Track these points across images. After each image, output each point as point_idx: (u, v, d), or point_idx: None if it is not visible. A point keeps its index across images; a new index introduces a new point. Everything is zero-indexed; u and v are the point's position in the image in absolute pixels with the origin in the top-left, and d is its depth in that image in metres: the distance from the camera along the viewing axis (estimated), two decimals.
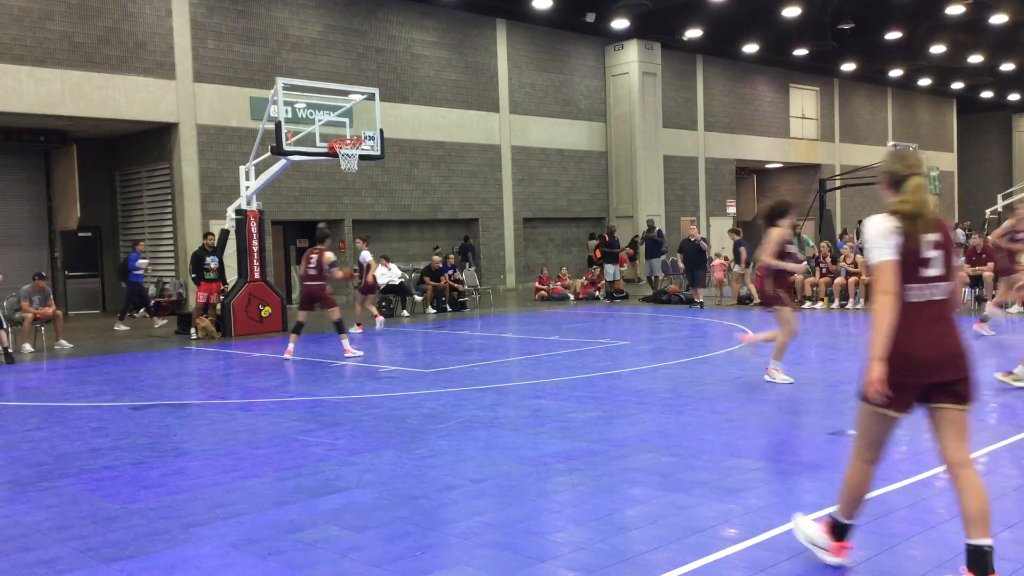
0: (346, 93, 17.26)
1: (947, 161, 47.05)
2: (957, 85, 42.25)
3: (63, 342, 14.92)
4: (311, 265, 12.57)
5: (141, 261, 18.65)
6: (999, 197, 35.18)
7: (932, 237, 3.81)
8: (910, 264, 3.76)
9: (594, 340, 13.86)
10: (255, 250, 16.41)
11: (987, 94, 44.53)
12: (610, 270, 22.57)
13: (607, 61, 30.15)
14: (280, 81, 15.46)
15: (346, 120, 16.78)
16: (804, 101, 38.50)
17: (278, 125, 15.22)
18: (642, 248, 24.69)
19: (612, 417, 7.87)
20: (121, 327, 17.73)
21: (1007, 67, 37.62)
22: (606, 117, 30.33)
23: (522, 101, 27.85)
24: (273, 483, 6.01)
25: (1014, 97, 45.65)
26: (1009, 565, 4.14)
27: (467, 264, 23.28)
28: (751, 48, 32.49)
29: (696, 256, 19.59)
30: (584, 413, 8.03)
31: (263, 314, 16.45)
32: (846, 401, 8.24)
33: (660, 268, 23.62)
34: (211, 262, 16.54)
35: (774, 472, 5.83)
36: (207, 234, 17.29)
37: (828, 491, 5.37)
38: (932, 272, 3.79)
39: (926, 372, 3.74)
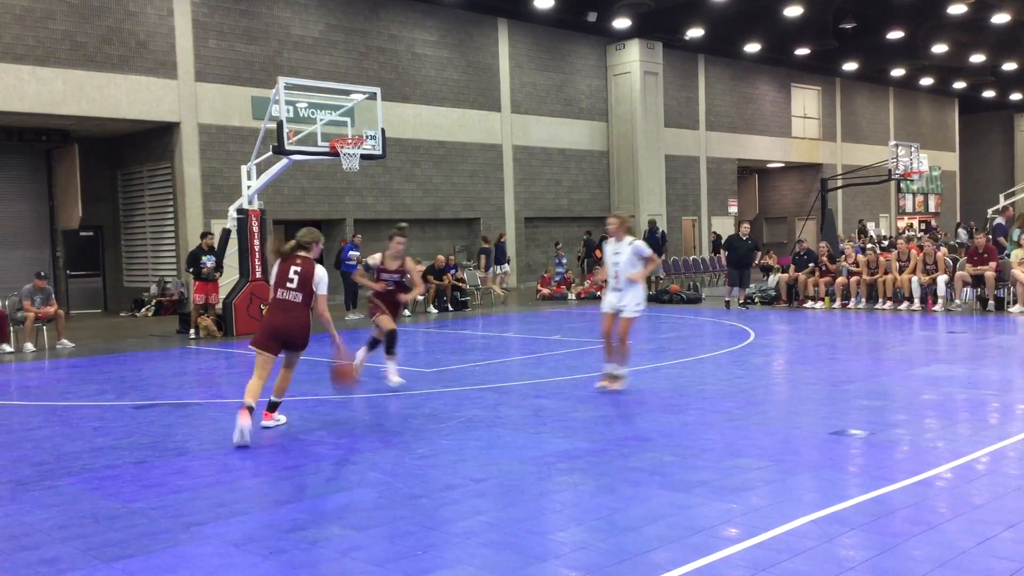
0: (348, 92, 17.24)
1: (949, 160, 47.06)
2: (959, 84, 42.19)
3: (64, 341, 14.93)
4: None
5: (353, 252, 19.02)
6: (1001, 196, 35.11)
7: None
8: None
9: (595, 340, 13.80)
10: (257, 249, 16.42)
11: (989, 93, 44.50)
12: None
13: (608, 60, 30.14)
14: (282, 80, 15.45)
15: (348, 119, 16.76)
16: (806, 100, 38.48)
17: (280, 124, 15.22)
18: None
19: (613, 416, 7.87)
20: (352, 316, 18.39)
21: (1009, 66, 37.58)
22: (608, 116, 30.32)
23: (523, 101, 27.85)
24: (274, 482, 6.01)
25: (1016, 96, 45.61)
26: (1010, 565, 4.14)
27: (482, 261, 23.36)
28: (753, 48, 32.48)
29: (747, 255, 18.73)
30: (585, 412, 8.03)
31: (264, 313, 16.40)
32: (847, 401, 8.24)
33: (658, 268, 23.57)
34: (207, 261, 16.55)
35: (775, 472, 5.83)
36: (206, 234, 17.30)
37: (830, 491, 5.38)
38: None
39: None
